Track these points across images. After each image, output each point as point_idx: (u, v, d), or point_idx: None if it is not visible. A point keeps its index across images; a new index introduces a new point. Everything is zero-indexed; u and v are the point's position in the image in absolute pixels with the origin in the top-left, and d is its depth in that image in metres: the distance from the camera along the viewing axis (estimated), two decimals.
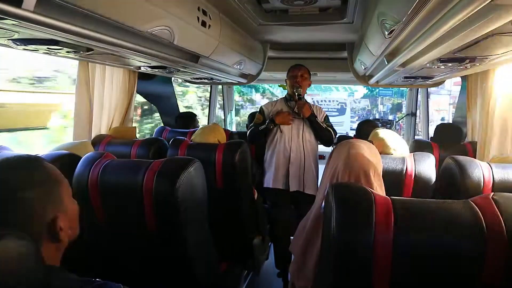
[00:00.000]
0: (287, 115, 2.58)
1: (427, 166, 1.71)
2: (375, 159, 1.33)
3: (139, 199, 1.37)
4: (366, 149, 1.35)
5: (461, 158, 1.71)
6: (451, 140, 2.62)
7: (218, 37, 2.00)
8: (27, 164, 0.83)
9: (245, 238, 2.29)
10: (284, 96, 2.78)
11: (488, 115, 2.29)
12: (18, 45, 1.33)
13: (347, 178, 1.25)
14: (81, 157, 1.53)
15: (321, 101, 12.26)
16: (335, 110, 12.05)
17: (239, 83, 3.51)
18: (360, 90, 15.08)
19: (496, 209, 0.86)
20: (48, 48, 1.36)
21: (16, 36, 1.23)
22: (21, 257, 0.64)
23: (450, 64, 1.71)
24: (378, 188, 1.25)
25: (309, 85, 2.76)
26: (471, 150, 2.51)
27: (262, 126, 2.60)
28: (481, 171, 1.63)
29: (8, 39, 1.27)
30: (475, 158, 2.31)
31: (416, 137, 4.18)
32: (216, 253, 1.66)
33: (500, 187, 1.60)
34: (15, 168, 0.81)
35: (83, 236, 1.49)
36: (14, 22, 0.97)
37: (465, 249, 0.85)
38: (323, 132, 2.60)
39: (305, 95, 2.71)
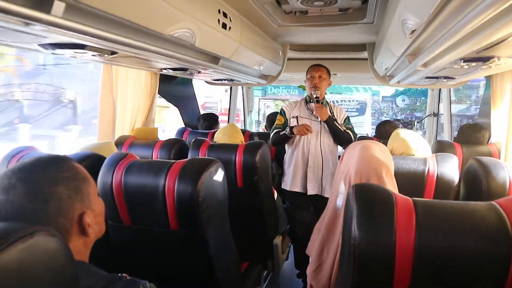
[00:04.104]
0: (305, 128, 2.51)
1: (449, 168, 1.68)
2: (386, 159, 1.33)
3: (162, 199, 1.40)
4: (377, 150, 1.35)
5: (486, 159, 1.67)
6: (475, 140, 2.56)
7: (239, 39, 2.02)
8: (56, 162, 0.87)
9: (265, 238, 2.30)
10: (304, 96, 2.77)
11: None
12: (46, 49, 1.38)
13: (359, 178, 1.25)
14: (106, 158, 1.57)
15: (340, 101, 12.11)
16: (355, 110, 11.86)
17: (259, 84, 3.53)
18: (385, 88, 13.35)
19: None
20: (74, 52, 1.41)
21: (45, 41, 1.28)
22: (52, 253, 0.66)
23: (474, 64, 1.67)
24: (391, 187, 1.24)
25: (329, 85, 2.73)
26: (496, 151, 2.45)
27: (282, 132, 2.59)
28: (506, 172, 1.59)
29: (38, 44, 1.32)
30: (499, 159, 2.27)
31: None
32: (237, 252, 1.68)
33: None
34: (45, 167, 0.84)
35: (107, 235, 1.54)
36: (43, 28, 1.02)
37: (490, 252, 0.83)
38: (341, 135, 2.56)
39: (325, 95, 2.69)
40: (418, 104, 13.18)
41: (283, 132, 2.58)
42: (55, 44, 1.33)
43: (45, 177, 0.82)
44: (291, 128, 2.56)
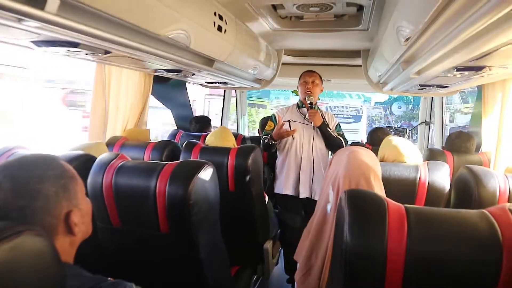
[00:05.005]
0: (282, 130, 2.49)
1: (441, 175, 1.69)
2: (374, 163, 1.34)
3: (152, 201, 1.39)
4: (365, 154, 1.37)
5: (477, 168, 1.69)
6: (464, 149, 2.59)
7: (233, 42, 2.02)
8: (44, 160, 0.86)
9: (256, 243, 2.29)
10: (296, 102, 2.79)
11: (504, 125, 2.26)
12: (39, 46, 1.36)
13: (348, 183, 1.26)
14: (96, 158, 1.55)
15: (335, 107, 12.13)
16: (351, 117, 11.86)
17: (253, 88, 3.53)
18: (377, 94, 12.31)
19: None
20: (68, 50, 1.39)
21: (37, 38, 1.26)
22: (39, 254, 0.65)
23: (466, 73, 1.69)
24: (379, 191, 1.26)
25: (321, 91, 2.75)
26: (486, 160, 2.47)
27: (266, 140, 2.59)
28: (496, 181, 1.61)
29: (30, 41, 1.31)
30: (489, 168, 2.29)
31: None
32: (227, 256, 1.67)
33: None
34: (32, 164, 0.84)
35: (97, 236, 1.52)
36: (37, 24, 1.00)
37: (481, 259, 0.83)
38: (333, 140, 2.58)
39: (318, 101, 2.70)
40: (415, 112, 12.04)
41: (266, 141, 2.58)
42: (48, 41, 1.32)
43: (32, 174, 0.81)
44: (271, 135, 2.55)
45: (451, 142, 2.67)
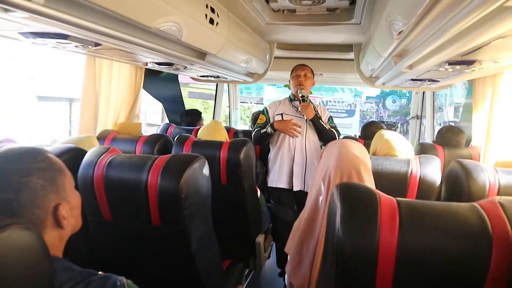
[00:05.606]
0: (287, 124, 2.53)
1: (432, 169, 1.70)
2: (364, 156, 1.36)
3: (144, 194, 1.38)
4: (355, 147, 1.38)
5: (467, 162, 1.70)
6: (455, 143, 2.61)
7: (226, 35, 2.01)
8: (30, 153, 0.85)
9: (248, 236, 2.29)
10: (288, 96, 2.79)
11: (494, 119, 2.28)
12: (27, 38, 1.33)
13: (339, 176, 1.27)
14: (87, 151, 1.54)
15: (329, 101, 12.15)
16: (344, 111, 11.89)
17: (245, 82, 3.52)
18: (369, 89, 11.96)
19: (502, 213, 0.85)
20: (57, 42, 1.37)
21: (25, 29, 1.24)
22: (27, 248, 0.64)
23: (458, 67, 1.70)
24: (369, 184, 1.27)
25: (313, 85, 2.76)
26: (476, 155, 2.50)
27: (263, 130, 2.60)
28: (486, 175, 1.62)
29: (18, 32, 1.28)
30: (479, 162, 2.32)
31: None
32: (219, 250, 1.66)
33: (505, 192, 1.60)
34: (19, 157, 0.82)
35: (88, 230, 1.51)
36: (24, 15, 0.98)
37: (471, 252, 0.84)
38: (326, 133, 2.59)
39: (310, 95, 2.71)
40: (410, 106, 12.23)
41: (264, 130, 2.58)
42: (37, 33, 1.29)
43: (18, 167, 0.80)
44: (272, 124, 2.56)
45: (442, 135, 2.68)
